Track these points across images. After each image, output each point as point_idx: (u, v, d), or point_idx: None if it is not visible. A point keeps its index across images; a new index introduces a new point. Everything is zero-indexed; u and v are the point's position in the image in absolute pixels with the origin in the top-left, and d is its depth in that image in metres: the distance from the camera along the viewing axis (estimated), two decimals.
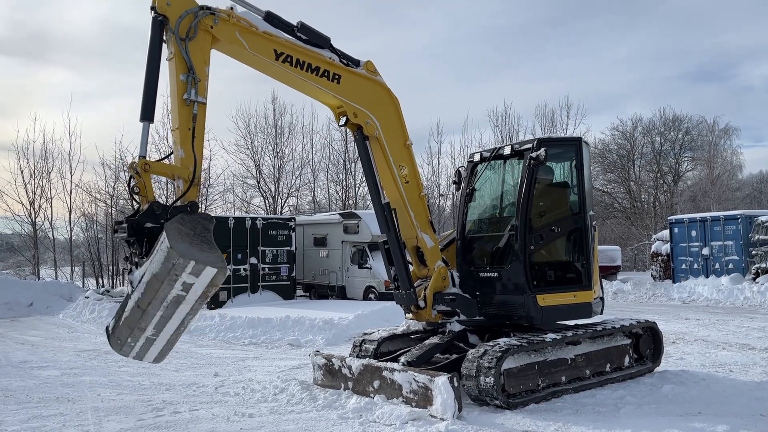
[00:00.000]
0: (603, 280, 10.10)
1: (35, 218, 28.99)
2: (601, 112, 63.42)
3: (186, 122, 5.59)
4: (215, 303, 18.43)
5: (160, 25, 5.56)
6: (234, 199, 35.22)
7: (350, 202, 35.16)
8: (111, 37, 65.48)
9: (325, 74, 6.80)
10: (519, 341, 6.93)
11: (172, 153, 5.74)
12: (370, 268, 19.98)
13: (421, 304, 7.59)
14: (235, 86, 59.33)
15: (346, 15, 73.89)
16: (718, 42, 73.87)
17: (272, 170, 34.58)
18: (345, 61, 7.01)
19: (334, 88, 6.92)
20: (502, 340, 6.91)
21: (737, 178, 47.41)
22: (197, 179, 5.54)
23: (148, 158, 5.42)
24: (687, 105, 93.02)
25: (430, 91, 64.41)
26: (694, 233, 22.13)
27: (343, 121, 7.24)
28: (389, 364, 7.04)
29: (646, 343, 8.42)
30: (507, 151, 8.02)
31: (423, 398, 6.43)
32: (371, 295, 19.88)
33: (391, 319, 12.79)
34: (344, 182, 35.92)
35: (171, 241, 4.73)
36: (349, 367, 7.36)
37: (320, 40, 6.79)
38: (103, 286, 27.15)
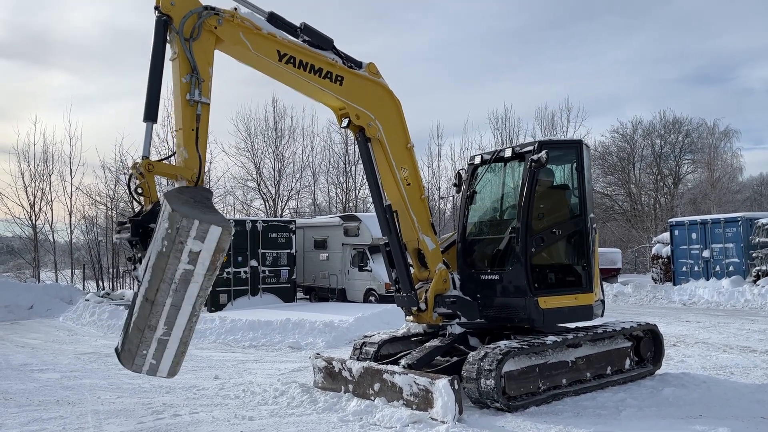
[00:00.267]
0: (603, 282, 10.10)
1: (35, 221, 29.03)
2: (601, 115, 63.57)
3: (189, 123, 5.59)
4: (215, 306, 18.43)
5: (163, 25, 5.56)
6: (234, 202, 35.26)
7: (350, 204, 35.18)
8: (111, 40, 65.59)
9: (328, 76, 6.81)
10: (520, 344, 6.92)
11: (174, 154, 5.74)
12: (371, 271, 19.99)
13: (422, 306, 7.59)
14: (235, 89, 59.41)
15: (346, 17, 74.05)
16: (717, 44, 74.06)
17: (272, 173, 34.62)
18: (347, 63, 7.02)
19: (337, 90, 6.93)
20: (502, 343, 6.90)
21: (737, 181, 47.45)
22: (201, 179, 5.54)
23: (150, 159, 5.42)
24: (687, 107, 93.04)
25: (430, 94, 64.53)
26: (694, 236, 22.14)
27: (345, 122, 7.25)
28: (390, 367, 7.03)
29: (646, 346, 8.41)
30: (508, 153, 8.03)
31: (423, 401, 6.43)
32: (372, 298, 19.88)
33: (391, 321, 12.78)
34: (344, 185, 35.97)
35: (173, 206, 4.68)
36: (350, 370, 7.36)
37: (323, 42, 6.80)
38: (103, 288, 27.15)
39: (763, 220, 19.74)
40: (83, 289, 26.57)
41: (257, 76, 6.68)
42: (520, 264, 7.43)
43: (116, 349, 5.27)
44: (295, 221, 22.53)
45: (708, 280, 21.05)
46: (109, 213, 29.82)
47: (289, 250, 21.02)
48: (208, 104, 5.72)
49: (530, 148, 7.71)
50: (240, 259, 19.76)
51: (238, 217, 27.85)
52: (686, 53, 73.86)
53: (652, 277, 25.47)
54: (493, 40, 72.66)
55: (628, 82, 71.60)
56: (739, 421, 6.16)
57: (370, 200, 7.87)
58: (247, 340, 12.88)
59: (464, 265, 8.06)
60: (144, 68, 5.53)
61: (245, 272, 19.96)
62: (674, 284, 22.10)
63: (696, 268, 21.98)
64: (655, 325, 8.60)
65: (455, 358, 7.48)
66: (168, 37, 5.64)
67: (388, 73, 7.36)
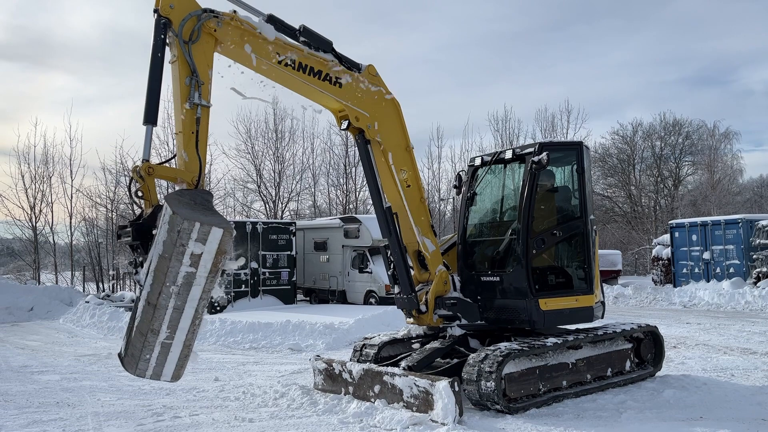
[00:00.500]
0: (604, 284, 10.09)
1: (36, 223, 29.08)
2: (601, 117, 63.59)
3: (189, 125, 5.59)
4: (214, 308, 18.42)
5: (163, 27, 5.56)
6: (234, 204, 35.31)
7: (351, 206, 35.19)
8: (111, 42, 65.69)
9: (327, 78, 6.81)
10: (520, 345, 6.91)
11: (174, 156, 5.74)
12: (371, 273, 19.98)
13: (423, 308, 7.58)
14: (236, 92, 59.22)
15: (346, 20, 74.10)
16: (717, 46, 74.05)
17: (273, 174, 34.64)
18: (347, 65, 7.02)
19: (336, 92, 6.92)
20: (503, 345, 6.90)
21: (738, 183, 47.47)
22: (202, 182, 5.54)
23: (150, 162, 5.42)
24: (687, 109, 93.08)
25: (430, 96, 64.59)
26: (694, 237, 22.13)
27: (344, 124, 7.25)
28: (390, 369, 7.03)
29: (647, 348, 8.40)
30: (508, 155, 8.03)
31: (424, 403, 6.42)
32: (372, 300, 19.87)
33: (391, 323, 12.78)
34: (345, 186, 35.99)
35: (173, 209, 4.66)
36: (350, 372, 7.35)
37: (322, 44, 6.80)
38: (103, 290, 27.14)
39: (764, 222, 19.73)
40: (83, 291, 26.59)
41: (257, 77, 6.67)
42: (520, 266, 7.43)
43: (119, 354, 5.25)
44: (295, 223, 22.53)
45: (708, 281, 21.04)
46: (110, 215, 29.87)
47: (289, 252, 21.02)
48: (208, 107, 5.72)
49: (531, 149, 7.71)
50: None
51: (238, 218, 27.89)
52: (686, 55, 73.96)
53: (653, 279, 25.47)
54: (493, 42, 72.75)
55: (628, 84, 71.71)
56: (740, 423, 6.15)
57: (370, 202, 7.87)
58: (248, 341, 12.88)
59: (464, 267, 8.06)
60: (144, 70, 5.53)
61: (245, 274, 19.97)
62: (674, 286, 22.09)
63: (696, 270, 21.97)
64: (655, 326, 8.60)
65: (455, 360, 7.47)
66: (167, 40, 5.64)
67: (388, 75, 7.37)
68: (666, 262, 24.24)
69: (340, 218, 23.08)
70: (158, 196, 5.46)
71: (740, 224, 20.81)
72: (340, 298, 21.32)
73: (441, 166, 38.69)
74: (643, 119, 56.80)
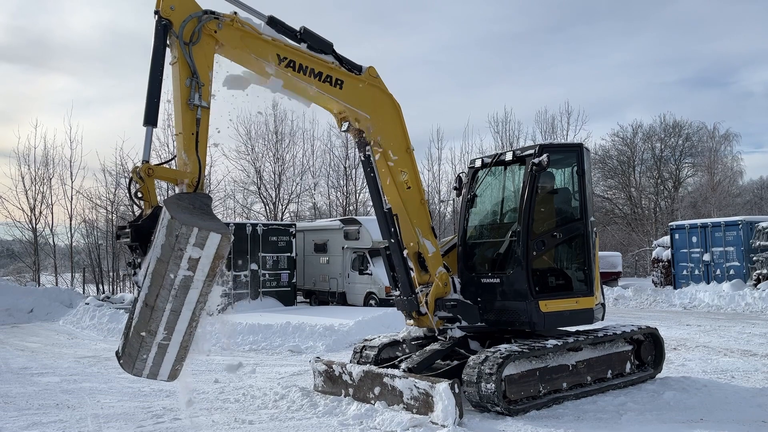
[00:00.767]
0: (604, 286, 10.09)
1: (36, 224, 29.05)
2: (601, 118, 63.52)
3: (190, 127, 5.59)
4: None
5: (163, 29, 5.56)
6: (234, 206, 35.30)
7: (351, 208, 35.20)
8: (112, 43, 65.74)
9: (328, 79, 6.81)
10: (520, 347, 6.91)
11: (174, 158, 5.74)
12: (371, 274, 19.98)
13: (423, 310, 7.58)
14: (235, 93, 59.29)
15: (346, 21, 74.19)
16: (717, 48, 74.21)
17: (273, 176, 34.64)
18: (347, 67, 7.02)
19: (337, 94, 6.92)
20: (503, 347, 6.90)
21: (738, 184, 47.47)
22: (201, 184, 5.54)
23: (150, 163, 5.42)
24: (687, 111, 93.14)
25: (430, 98, 64.65)
26: (695, 239, 22.13)
27: (345, 126, 7.25)
28: (390, 371, 7.02)
29: (647, 350, 8.40)
30: (508, 156, 8.03)
31: (424, 405, 6.41)
32: (372, 302, 19.87)
33: (391, 325, 12.76)
34: (345, 188, 36.00)
35: (172, 213, 4.66)
36: (350, 374, 7.34)
37: (323, 46, 6.80)
38: (103, 292, 27.14)
39: (764, 224, 19.73)
40: (83, 292, 26.57)
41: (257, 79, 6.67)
42: (520, 267, 7.42)
43: (117, 353, 5.26)
44: (295, 225, 22.53)
45: (708, 283, 21.03)
46: (110, 216, 29.85)
47: (289, 254, 21.02)
48: (208, 108, 5.72)
49: (531, 151, 7.71)
50: (240, 262, 19.75)
51: (238, 220, 27.89)
52: (686, 56, 74.11)
53: (653, 281, 25.46)
54: (493, 43, 72.85)
55: (628, 85, 71.81)
56: (740, 425, 6.15)
57: (371, 203, 7.85)
58: (248, 343, 12.86)
59: (465, 269, 8.05)
60: (144, 71, 5.53)
61: (245, 276, 19.96)
62: (675, 288, 22.09)
63: (696, 272, 21.96)
64: (655, 328, 8.59)
65: (456, 362, 7.47)
66: (168, 42, 5.64)
67: (389, 76, 7.37)
68: (666, 263, 24.23)
69: (340, 220, 23.09)
70: (158, 197, 5.46)
71: (740, 226, 20.81)
72: (340, 299, 21.31)
73: (441, 168, 38.78)
74: (643, 121, 56.80)
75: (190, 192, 5.40)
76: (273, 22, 6.44)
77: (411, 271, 7.72)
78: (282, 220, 32.75)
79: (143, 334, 4.88)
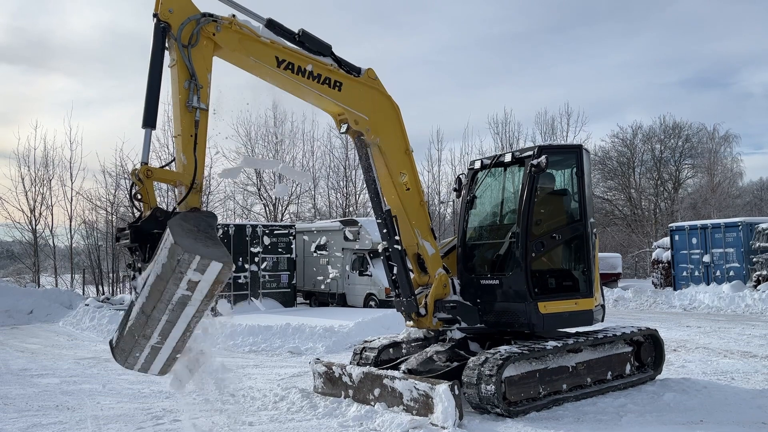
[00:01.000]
0: (604, 287, 10.09)
1: (36, 226, 29.05)
2: (601, 119, 63.63)
3: (188, 129, 5.59)
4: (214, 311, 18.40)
5: (162, 32, 5.57)
6: (234, 207, 35.31)
7: (350, 209, 35.21)
8: (112, 44, 65.75)
9: (327, 82, 6.81)
10: (520, 349, 6.91)
11: (174, 160, 5.75)
12: (371, 276, 19.97)
13: (422, 311, 7.58)
14: (235, 94, 59.33)
15: (346, 22, 74.18)
16: (717, 48, 74.19)
17: (273, 177, 34.63)
18: (346, 69, 7.02)
19: (336, 96, 6.92)
20: (502, 348, 6.90)
21: (738, 186, 47.50)
22: (198, 185, 5.54)
23: (149, 165, 5.42)
24: (687, 112, 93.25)
25: (430, 98, 64.65)
26: (694, 240, 22.12)
27: (344, 128, 7.25)
28: (390, 372, 7.02)
29: (647, 351, 8.40)
30: (508, 158, 8.03)
31: (424, 406, 6.41)
32: (372, 303, 19.86)
33: (391, 326, 12.76)
34: (344, 189, 36.01)
35: (175, 237, 4.68)
36: (350, 375, 7.34)
37: (321, 48, 6.80)
38: (103, 293, 27.15)
39: (764, 225, 19.72)
40: (83, 293, 26.56)
41: (257, 81, 6.68)
42: (520, 269, 7.42)
43: (110, 342, 5.33)
44: (295, 226, 22.53)
45: (708, 285, 21.03)
46: (110, 218, 29.85)
47: (289, 255, 21.01)
48: (207, 110, 5.72)
49: (530, 153, 7.71)
50: (240, 263, 19.76)
51: (238, 221, 27.89)
52: (686, 57, 74.10)
53: (653, 282, 25.45)
54: (493, 44, 72.85)
55: (628, 86, 71.81)
56: (740, 427, 6.15)
57: (370, 205, 7.85)
58: (247, 345, 12.87)
59: (464, 270, 8.05)
60: (144, 73, 5.53)
61: (245, 277, 19.96)
62: (674, 289, 22.07)
63: (696, 273, 21.96)
64: (655, 330, 8.59)
65: (455, 364, 7.46)
66: (167, 44, 5.64)
67: (388, 77, 7.37)
68: (666, 265, 24.23)
69: (340, 221, 23.08)
70: (157, 198, 5.47)
71: (740, 227, 20.81)
72: (340, 301, 21.31)
73: (441, 169, 38.60)
74: (642, 122, 56.95)
75: (195, 210, 5.32)
76: (271, 24, 6.44)
77: (410, 273, 7.72)
78: (282, 221, 32.76)
79: (137, 337, 4.96)
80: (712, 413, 6.66)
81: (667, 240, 24.28)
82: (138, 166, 5.39)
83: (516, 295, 7.48)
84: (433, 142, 45.68)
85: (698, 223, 22.83)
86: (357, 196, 35.70)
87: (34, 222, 28.95)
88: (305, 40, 6.67)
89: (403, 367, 7.32)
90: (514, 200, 8.08)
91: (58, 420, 7.04)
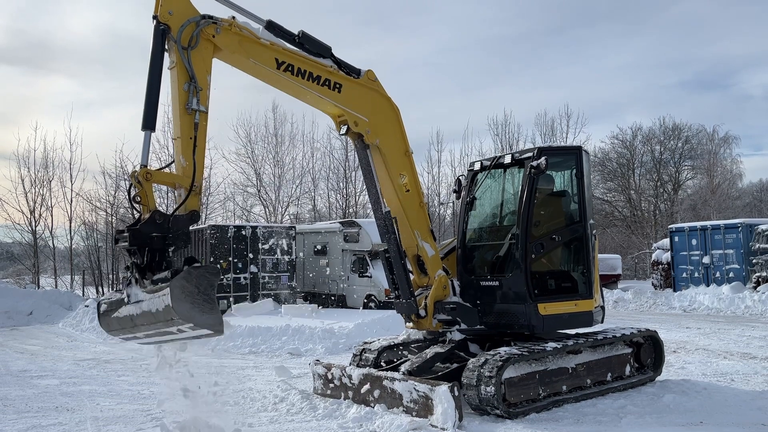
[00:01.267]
0: (603, 288, 10.09)
1: (35, 227, 29.04)
2: (600, 121, 63.70)
3: (187, 131, 5.59)
4: None
5: (162, 34, 5.57)
6: (234, 208, 35.33)
7: (350, 210, 35.21)
8: (112, 45, 65.80)
9: (326, 83, 6.82)
10: (520, 350, 6.91)
11: (173, 162, 5.75)
12: (371, 277, 19.96)
13: (422, 313, 7.58)
14: (235, 95, 59.52)
15: (346, 24, 74.24)
16: (717, 50, 74.27)
17: (273, 179, 34.67)
18: (346, 70, 7.03)
19: (335, 97, 6.93)
20: (502, 349, 6.89)
21: (737, 187, 47.56)
22: (197, 188, 5.54)
23: (149, 167, 5.43)
24: (687, 113, 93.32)
25: (430, 100, 64.66)
26: (694, 242, 22.12)
27: (343, 129, 7.25)
28: (390, 374, 7.02)
29: (647, 352, 8.40)
30: (507, 159, 8.03)
31: (423, 408, 6.41)
32: (371, 304, 19.85)
33: (391, 328, 12.77)
34: (344, 191, 36.01)
35: (174, 302, 4.74)
36: (350, 377, 7.34)
37: (321, 49, 6.81)
38: (103, 294, 27.10)
39: (763, 227, 19.73)
40: (83, 295, 26.56)
41: (257, 82, 6.69)
42: (519, 270, 7.43)
43: (98, 305, 5.64)
44: (295, 227, 22.52)
45: (708, 286, 21.02)
46: (109, 219, 29.81)
47: (288, 257, 21.00)
48: (206, 112, 5.72)
49: (530, 154, 7.72)
50: (240, 264, 19.75)
51: (238, 223, 27.85)
52: (686, 59, 74.16)
53: (653, 284, 25.45)
54: (493, 45, 72.92)
55: (627, 88, 71.88)
56: (740, 428, 6.15)
57: (370, 206, 7.85)
58: (247, 346, 12.86)
59: (464, 272, 8.05)
60: (144, 74, 5.53)
61: (245, 278, 19.95)
62: (674, 290, 22.07)
63: (696, 275, 21.96)
64: (655, 331, 8.59)
65: (455, 365, 7.47)
66: (166, 46, 5.65)
67: (388, 78, 7.38)
68: (666, 266, 24.23)
69: (339, 222, 23.08)
70: (156, 200, 5.47)
71: (740, 228, 20.81)
72: (340, 302, 21.29)
73: (440, 171, 38.61)
74: (642, 123, 56.97)
75: (198, 265, 5.14)
76: (271, 26, 6.45)
77: (410, 274, 7.72)
78: (282, 222, 32.75)
79: (124, 327, 5.33)
80: (712, 415, 6.66)
81: (666, 241, 24.28)
82: (137, 168, 5.39)
83: (516, 297, 7.48)
84: (432, 143, 45.88)
85: (698, 224, 22.83)
86: (357, 197, 35.72)
87: (33, 223, 28.97)
88: (305, 42, 6.68)
89: (402, 368, 7.32)
90: (513, 202, 8.08)
91: (57, 421, 7.04)
